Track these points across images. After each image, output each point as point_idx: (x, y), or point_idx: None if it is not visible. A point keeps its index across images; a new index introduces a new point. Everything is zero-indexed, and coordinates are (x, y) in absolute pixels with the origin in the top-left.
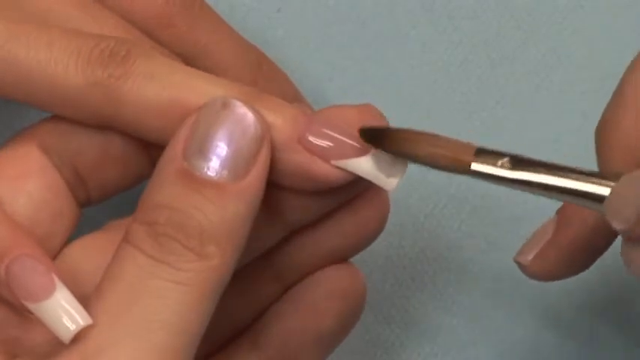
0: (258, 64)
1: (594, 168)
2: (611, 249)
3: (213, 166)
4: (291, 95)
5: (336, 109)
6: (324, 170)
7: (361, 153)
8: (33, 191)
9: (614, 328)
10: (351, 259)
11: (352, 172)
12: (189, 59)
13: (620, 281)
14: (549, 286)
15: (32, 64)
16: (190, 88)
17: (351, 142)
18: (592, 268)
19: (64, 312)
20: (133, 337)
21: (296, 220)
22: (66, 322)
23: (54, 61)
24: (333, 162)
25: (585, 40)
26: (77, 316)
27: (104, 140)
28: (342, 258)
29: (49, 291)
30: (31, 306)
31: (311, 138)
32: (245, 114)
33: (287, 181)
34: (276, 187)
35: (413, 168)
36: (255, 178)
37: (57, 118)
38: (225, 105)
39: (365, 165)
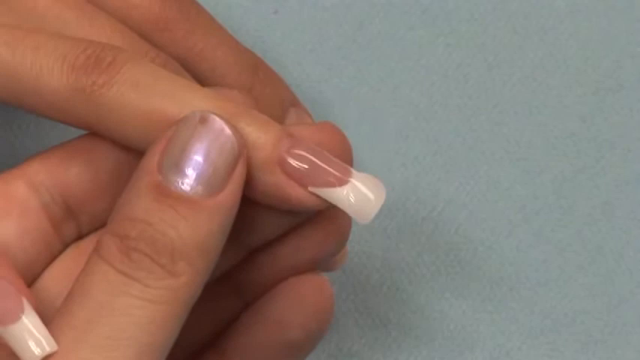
0: (254, 69)
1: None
2: (609, 253)
3: (188, 181)
4: (288, 100)
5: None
6: (300, 195)
7: (339, 183)
8: (7, 235)
9: (612, 331)
10: (349, 261)
11: (327, 200)
12: (186, 63)
13: (620, 285)
14: (546, 291)
15: (18, 68)
16: (175, 98)
17: (331, 170)
18: (591, 271)
19: (30, 336)
20: (99, 356)
21: (256, 240)
22: (32, 347)
23: (39, 66)
24: (310, 188)
25: (583, 44)
26: (43, 342)
27: (95, 172)
28: (302, 272)
29: (17, 315)
30: None
31: (291, 161)
32: (222, 129)
33: (260, 199)
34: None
35: (409, 170)
36: (230, 195)
37: (46, 153)
38: (203, 119)
39: (341, 196)
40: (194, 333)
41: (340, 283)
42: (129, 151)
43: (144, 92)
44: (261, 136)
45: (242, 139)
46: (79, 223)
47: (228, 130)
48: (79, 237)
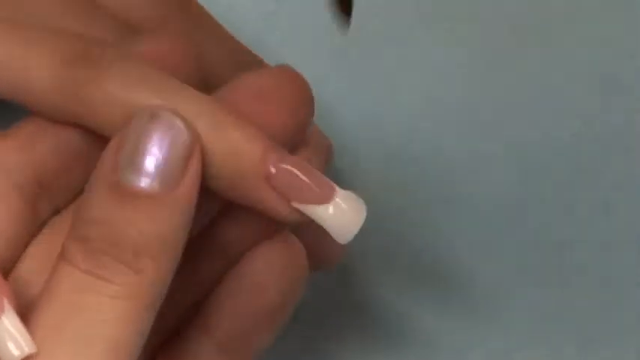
0: (254, 67)
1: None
2: (609, 253)
3: (144, 178)
4: None
5: (252, 78)
6: (282, 210)
7: (323, 201)
8: None
9: (612, 331)
10: (345, 261)
11: (309, 216)
12: None
13: (620, 285)
14: (547, 291)
15: (7, 61)
16: (162, 95)
17: (315, 187)
18: (591, 271)
19: (9, 337)
20: (71, 354)
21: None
22: (11, 348)
23: (27, 60)
24: (293, 203)
25: (583, 44)
26: (23, 343)
27: (65, 144)
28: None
29: None
30: None
31: (276, 175)
32: (173, 124)
33: (239, 202)
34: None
35: (409, 170)
36: (187, 188)
37: (12, 130)
38: (153, 115)
39: (323, 214)
40: (182, 299)
41: (340, 283)
42: None
43: (132, 89)
44: (248, 146)
45: (195, 132)
46: (52, 198)
47: (179, 124)
48: (56, 212)
